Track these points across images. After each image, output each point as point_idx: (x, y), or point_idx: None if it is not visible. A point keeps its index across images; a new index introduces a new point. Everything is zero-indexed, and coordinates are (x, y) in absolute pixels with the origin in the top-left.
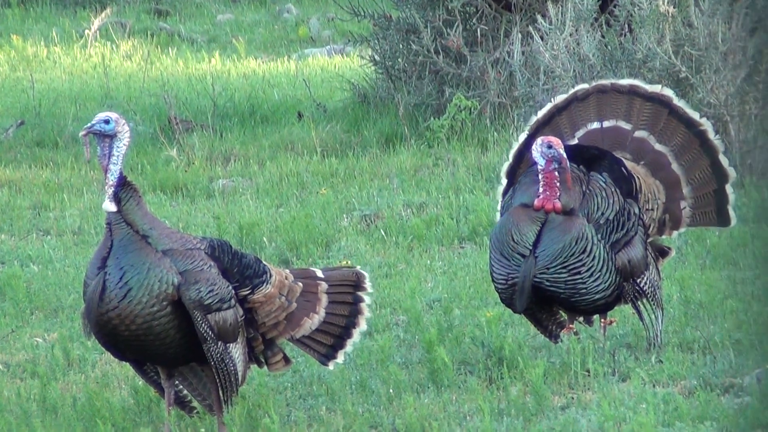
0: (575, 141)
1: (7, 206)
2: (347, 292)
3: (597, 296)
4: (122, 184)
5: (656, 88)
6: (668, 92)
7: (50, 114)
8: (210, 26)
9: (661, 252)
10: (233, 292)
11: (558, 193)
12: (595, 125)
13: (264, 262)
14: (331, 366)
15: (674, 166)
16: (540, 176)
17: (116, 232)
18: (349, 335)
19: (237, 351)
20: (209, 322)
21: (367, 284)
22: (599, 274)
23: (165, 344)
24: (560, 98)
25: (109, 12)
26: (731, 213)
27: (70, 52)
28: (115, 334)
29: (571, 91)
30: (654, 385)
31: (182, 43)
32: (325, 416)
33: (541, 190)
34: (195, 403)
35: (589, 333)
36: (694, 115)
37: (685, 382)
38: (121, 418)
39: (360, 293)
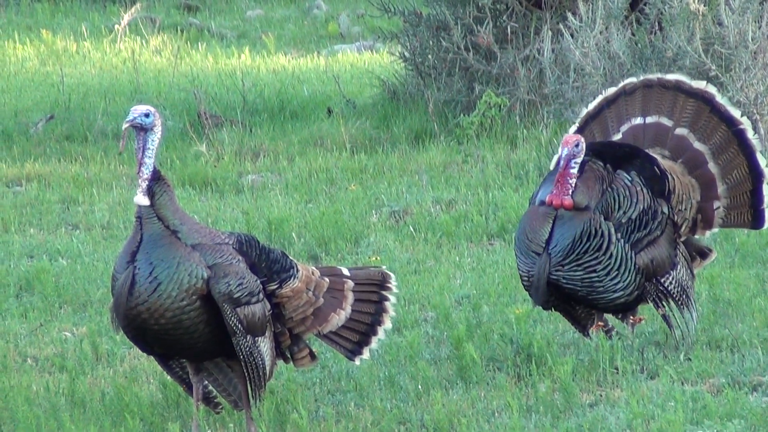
0: (620, 135)
1: (36, 200)
2: (373, 291)
3: (615, 295)
4: (156, 177)
5: (701, 84)
6: (712, 89)
7: (80, 108)
8: (240, 22)
9: (701, 254)
10: (261, 286)
11: (570, 190)
12: (639, 120)
13: (290, 257)
14: (357, 361)
15: (711, 165)
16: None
17: (147, 227)
18: (374, 332)
19: (265, 345)
20: (238, 316)
21: (393, 284)
22: (617, 272)
23: (194, 338)
24: (610, 91)
25: (139, 7)
26: (766, 214)
27: (100, 46)
28: (144, 328)
29: (621, 84)
30: (682, 383)
31: (212, 39)
32: (353, 412)
33: (554, 186)
34: (220, 399)
35: (617, 330)
36: (735, 114)
37: (714, 380)
38: (149, 412)
39: (385, 292)
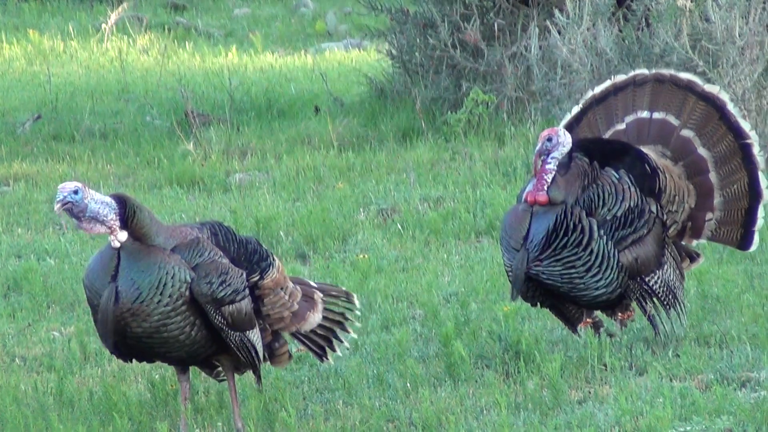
0: (623, 125)
1: (24, 200)
2: (337, 303)
3: (597, 292)
4: (122, 206)
5: (713, 89)
6: (724, 96)
7: (67, 108)
8: (227, 21)
9: (690, 257)
10: (246, 281)
11: (546, 186)
12: (645, 114)
13: (263, 245)
14: (325, 363)
15: (711, 174)
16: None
17: (126, 249)
18: (339, 340)
19: (255, 335)
20: (223, 314)
21: (356, 301)
22: (597, 269)
23: (180, 342)
24: (620, 78)
25: (126, 6)
26: (755, 237)
27: (87, 46)
28: (124, 335)
29: (631, 73)
30: (671, 379)
31: (199, 38)
32: (341, 410)
33: (533, 182)
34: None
35: (606, 327)
36: (745, 126)
37: (702, 376)
38: (137, 411)
39: (349, 306)
